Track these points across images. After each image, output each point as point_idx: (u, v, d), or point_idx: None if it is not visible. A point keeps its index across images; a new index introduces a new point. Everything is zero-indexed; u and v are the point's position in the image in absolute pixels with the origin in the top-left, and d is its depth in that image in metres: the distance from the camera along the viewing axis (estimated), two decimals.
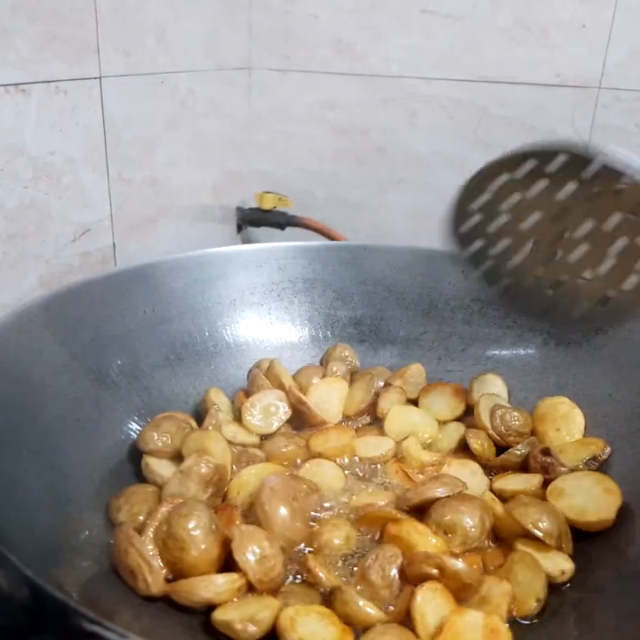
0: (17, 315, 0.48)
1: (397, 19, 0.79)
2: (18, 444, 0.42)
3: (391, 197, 0.86)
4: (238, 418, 0.56)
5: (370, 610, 0.38)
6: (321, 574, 0.41)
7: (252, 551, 0.39)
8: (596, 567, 0.44)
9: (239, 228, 0.92)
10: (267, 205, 0.87)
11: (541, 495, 0.48)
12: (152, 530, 0.41)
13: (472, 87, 0.78)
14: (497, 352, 0.63)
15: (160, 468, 0.50)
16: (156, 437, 0.50)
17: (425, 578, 0.40)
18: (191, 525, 0.40)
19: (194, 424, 0.54)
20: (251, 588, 0.40)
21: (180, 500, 0.43)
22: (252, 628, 0.37)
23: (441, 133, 0.81)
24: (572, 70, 0.73)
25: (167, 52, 0.74)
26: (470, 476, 0.51)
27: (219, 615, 0.38)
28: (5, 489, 0.39)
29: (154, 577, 0.38)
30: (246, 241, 0.93)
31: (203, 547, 0.40)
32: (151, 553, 0.40)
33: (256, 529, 0.41)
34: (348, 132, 0.86)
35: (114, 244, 0.72)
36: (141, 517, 0.44)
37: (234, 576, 0.39)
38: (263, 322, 0.65)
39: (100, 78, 0.66)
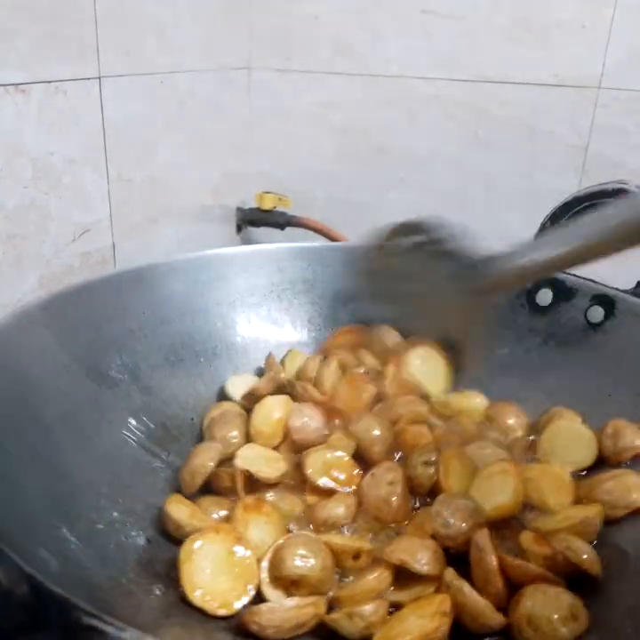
0: (17, 315, 0.48)
1: (397, 19, 0.79)
2: (18, 445, 0.43)
3: (391, 197, 0.86)
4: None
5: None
6: None
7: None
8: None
9: (239, 229, 0.92)
10: (267, 205, 0.87)
11: None
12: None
13: (472, 87, 0.78)
14: (496, 352, 0.63)
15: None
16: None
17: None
18: None
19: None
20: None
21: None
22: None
23: (441, 133, 0.81)
24: (572, 70, 0.73)
25: (167, 52, 0.74)
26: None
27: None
28: (5, 489, 0.39)
29: None
30: (246, 241, 0.93)
31: None
32: None
33: None
34: (348, 132, 0.86)
35: (113, 244, 0.72)
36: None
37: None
38: (263, 323, 0.65)
39: (99, 78, 0.66)
